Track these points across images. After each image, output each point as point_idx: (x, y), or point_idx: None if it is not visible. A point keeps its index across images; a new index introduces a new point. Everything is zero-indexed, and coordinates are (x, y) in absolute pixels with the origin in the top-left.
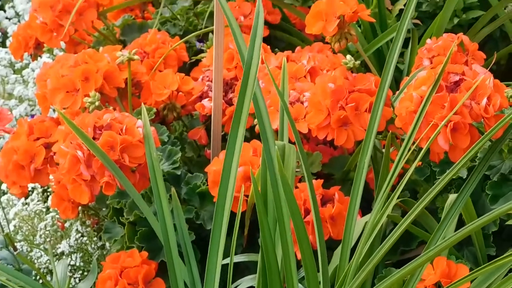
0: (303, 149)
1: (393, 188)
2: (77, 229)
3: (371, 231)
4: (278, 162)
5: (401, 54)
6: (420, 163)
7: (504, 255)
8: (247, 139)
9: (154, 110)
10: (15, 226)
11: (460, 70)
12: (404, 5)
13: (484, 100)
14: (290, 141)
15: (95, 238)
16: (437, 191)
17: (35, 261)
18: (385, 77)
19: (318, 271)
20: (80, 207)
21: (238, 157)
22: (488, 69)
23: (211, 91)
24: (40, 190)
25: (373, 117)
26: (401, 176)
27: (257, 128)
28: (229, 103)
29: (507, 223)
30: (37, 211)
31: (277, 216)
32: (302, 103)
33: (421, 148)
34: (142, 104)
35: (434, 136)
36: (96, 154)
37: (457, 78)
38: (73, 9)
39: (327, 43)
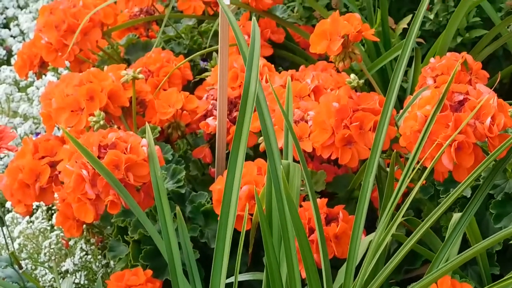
0: (307, 167)
1: (397, 207)
2: (81, 247)
3: (375, 250)
4: (283, 182)
5: (405, 73)
6: (424, 181)
7: (509, 275)
8: (251, 158)
9: (159, 128)
10: (19, 244)
11: (464, 89)
12: (408, 24)
13: (488, 120)
14: (294, 160)
15: (99, 256)
16: (442, 211)
17: (40, 279)
18: (389, 96)
19: None
20: (84, 226)
21: (240, 176)
22: (492, 88)
23: (216, 109)
24: (44, 208)
25: (378, 136)
26: (405, 195)
27: (261, 146)
28: (234, 121)
29: (511, 242)
30: (42, 229)
31: (282, 235)
32: (306, 122)
33: (425, 167)
34: (147, 123)
35: (439, 155)
36: (101, 173)
37: (461, 97)
38: (78, 29)
39: (331, 62)
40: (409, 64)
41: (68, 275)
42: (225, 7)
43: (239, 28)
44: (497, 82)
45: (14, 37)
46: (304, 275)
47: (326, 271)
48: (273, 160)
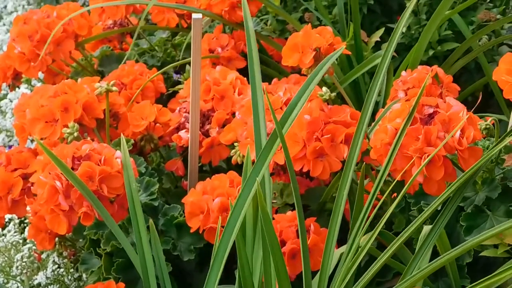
0: (279, 180)
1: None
2: (54, 261)
3: (348, 266)
4: (259, 194)
5: None
6: (395, 194)
7: (476, 283)
8: (224, 170)
9: (132, 141)
10: None
11: (434, 102)
12: (380, 37)
13: (458, 133)
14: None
15: (72, 270)
16: (416, 226)
17: None
18: (365, 110)
19: None
20: (57, 238)
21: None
22: (474, 105)
23: (188, 122)
24: (17, 221)
25: (352, 149)
26: (375, 207)
27: (233, 159)
28: (206, 134)
29: (481, 254)
30: (14, 243)
31: (263, 247)
32: None
33: (397, 180)
34: (122, 134)
35: (417, 173)
36: (74, 184)
37: (431, 110)
38: (49, 38)
39: (304, 75)
40: None
41: None
42: (197, 20)
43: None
44: (479, 99)
45: None
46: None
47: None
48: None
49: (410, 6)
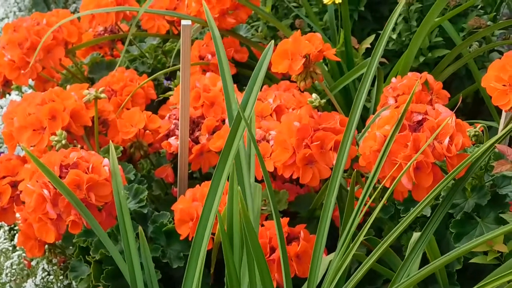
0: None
1: (359, 226)
2: (43, 268)
3: (337, 270)
4: (241, 202)
5: (368, 92)
6: (386, 202)
7: None
8: None
9: (121, 148)
10: None
11: (423, 109)
12: (371, 44)
13: (447, 140)
14: (256, 179)
15: (61, 277)
16: (401, 230)
17: None
18: (352, 116)
19: None
20: (46, 246)
21: (219, 201)
22: (455, 109)
23: (178, 129)
24: (6, 228)
25: (340, 155)
26: (366, 214)
27: None
28: (196, 141)
29: (471, 261)
30: (3, 250)
31: (247, 254)
32: (268, 141)
33: (386, 186)
34: (110, 142)
35: (399, 177)
36: (62, 192)
37: (420, 117)
38: (39, 46)
39: (293, 81)
40: (372, 84)
41: None
42: (186, 27)
43: (222, 45)
44: (459, 103)
45: None
46: None
47: None
48: (233, 180)
49: (397, 9)
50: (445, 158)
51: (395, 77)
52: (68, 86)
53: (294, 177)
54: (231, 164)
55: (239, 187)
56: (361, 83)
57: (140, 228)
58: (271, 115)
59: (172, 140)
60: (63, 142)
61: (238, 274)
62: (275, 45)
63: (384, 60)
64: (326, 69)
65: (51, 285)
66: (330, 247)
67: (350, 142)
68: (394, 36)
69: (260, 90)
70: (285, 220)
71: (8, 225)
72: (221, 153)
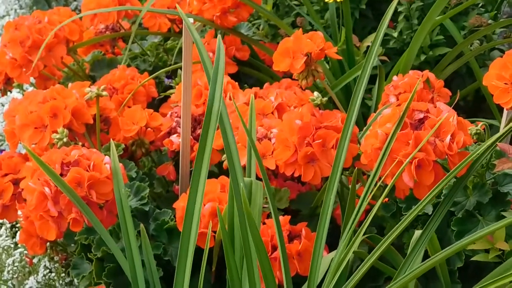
0: (270, 185)
1: (360, 223)
2: (45, 265)
3: (337, 267)
4: (243, 200)
5: (369, 90)
6: (387, 199)
7: None
8: (215, 175)
9: (123, 146)
10: None
11: (424, 107)
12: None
13: (448, 138)
14: (257, 177)
15: (63, 274)
16: (403, 228)
17: None
18: (350, 114)
19: None
20: (48, 243)
21: (202, 193)
22: (453, 105)
23: (180, 127)
24: (8, 225)
25: (339, 153)
26: (367, 212)
27: (225, 164)
28: (197, 139)
29: (472, 259)
30: (5, 247)
31: (244, 252)
32: (269, 139)
33: (387, 184)
34: (111, 140)
35: (399, 173)
36: (63, 190)
37: (421, 115)
38: (42, 45)
39: (295, 79)
40: (374, 82)
41: None
42: (189, 25)
43: (203, 45)
44: (456, 100)
45: None
46: None
47: None
48: (236, 178)
49: (393, 5)
50: (446, 156)
51: (397, 75)
52: (69, 84)
53: (296, 175)
54: (208, 157)
55: (243, 183)
56: (358, 80)
57: (141, 225)
58: (272, 113)
59: (174, 137)
60: (65, 140)
61: (239, 273)
62: (276, 43)
63: (385, 58)
64: (328, 67)
65: (53, 283)
66: (333, 245)
67: (348, 139)
68: (395, 35)
69: (262, 88)
70: (286, 218)
71: (10, 223)
72: (198, 148)
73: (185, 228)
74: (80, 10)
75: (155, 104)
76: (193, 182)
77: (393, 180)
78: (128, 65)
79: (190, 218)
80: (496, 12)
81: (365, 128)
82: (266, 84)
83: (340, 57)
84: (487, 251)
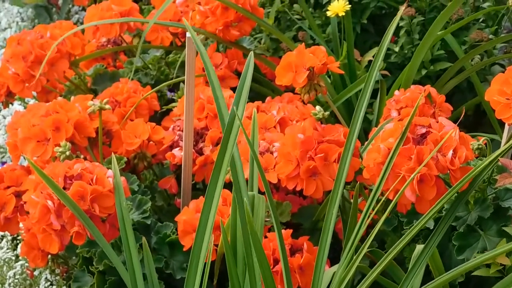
0: (273, 198)
1: (362, 238)
2: (46, 278)
3: (340, 283)
4: (247, 214)
5: (371, 105)
6: (389, 214)
7: None
8: None
9: (125, 159)
10: None
11: (426, 122)
12: (374, 57)
13: (450, 153)
14: (259, 191)
15: (64, 287)
16: (405, 243)
17: None
18: (353, 128)
19: None
20: (49, 256)
21: (215, 211)
22: (458, 122)
23: (182, 140)
24: (9, 238)
25: (341, 167)
26: (369, 226)
27: (226, 177)
28: (200, 152)
29: (473, 273)
30: (6, 259)
31: (247, 266)
32: (271, 153)
33: (389, 199)
34: (112, 153)
35: (403, 189)
36: (66, 204)
37: (423, 130)
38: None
39: (297, 93)
40: (375, 96)
41: None
42: (194, 36)
43: (207, 56)
44: (462, 116)
45: None
46: None
47: None
48: (240, 192)
49: (395, 20)
50: (448, 171)
51: (398, 89)
52: (71, 97)
53: (298, 189)
54: (225, 172)
55: (245, 198)
56: (360, 94)
57: (143, 239)
58: (274, 127)
59: (176, 151)
60: (67, 153)
61: (241, 286)
62: (278, 57)
63: (386, 72)
64: (329, 81)
65: None
66: (334, 260)
67: (351, 154)
68: (396, 49)
69: (263, 101)
70: (288, 232)
71: (11, 235)
72: (215, 163)
73: (196, 244)
74: (82, 23)
75: (157, 118)
76: (207, 198)
77: (397, 196)
78: (130, 79)
79: (202, 235)
80: (496, 27)
81: (367, 142)
82: (268, 98)
83: (342, 72)
84: (488, 265)
